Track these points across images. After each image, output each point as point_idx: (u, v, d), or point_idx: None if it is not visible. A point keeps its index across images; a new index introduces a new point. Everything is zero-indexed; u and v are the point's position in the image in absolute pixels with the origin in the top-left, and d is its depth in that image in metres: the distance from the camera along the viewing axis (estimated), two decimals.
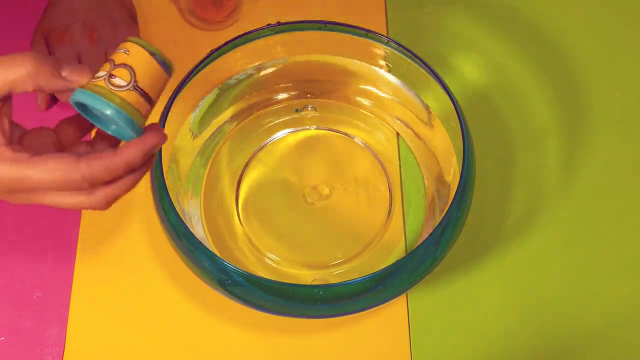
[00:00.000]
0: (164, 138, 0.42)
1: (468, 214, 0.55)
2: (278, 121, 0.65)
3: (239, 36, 0.59)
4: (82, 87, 0.40)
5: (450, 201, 0.53)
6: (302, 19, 0.60)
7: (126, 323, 0.58)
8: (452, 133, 0.58)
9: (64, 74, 0.40)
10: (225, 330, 0.58)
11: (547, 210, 0.62)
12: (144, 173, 0.43)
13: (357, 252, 0.60)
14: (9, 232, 0.61)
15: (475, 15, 0.71)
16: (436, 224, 0.53)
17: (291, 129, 0.65)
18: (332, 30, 0.60)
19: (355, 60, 0.63)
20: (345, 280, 0.52)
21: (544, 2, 0.72)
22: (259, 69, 0.63)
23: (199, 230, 0.60)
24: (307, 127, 0.65)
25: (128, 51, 0.42)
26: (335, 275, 0.59)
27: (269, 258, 0.60)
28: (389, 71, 0.62)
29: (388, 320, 0.58)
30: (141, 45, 0.42)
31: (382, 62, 0.62)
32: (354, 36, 0.60)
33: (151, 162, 0.43)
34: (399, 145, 0.64)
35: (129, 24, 0.66)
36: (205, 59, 0.58)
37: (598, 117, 0.66)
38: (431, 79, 0.58)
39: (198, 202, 0.61)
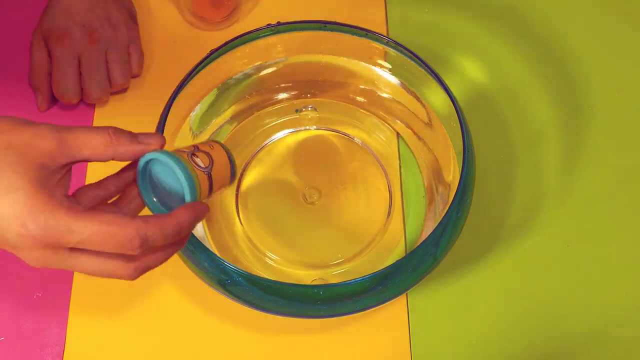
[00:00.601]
0: (207, 211, 0.43)
1: (468, 214, 0.55)
2: (278, 121, 0.65)
3: (239, 36, 0.59)
4: (164, 151, 0.42)
5: (450, 201, 0.53)
6: (302, 19, 0.60)
7: (126, 323, 0.58)
8: (452, 133, 0.58)
9: (138, 139, 0.42)
10: (225, 330, 0.58)
11: (547, 210, 0.62)
12: (177, 249, 0.43)
13: (357, 252, 0.60)
14: None
15: (475, 15, 0.71)
16: (436, 224, 0.53)
17: (291, 129, 0.65)
18: (332, 30, 0.60)
19: (355, 60, 0.63)
20: (345, 280, 0.52)
21: (544, 2, 0.72)
22: (259, 69, 0.63)
23: (199, 230, 0.60)
24: (307, 127, 0.65)
25: (212, 146, 0.44)
26: (335, 275, 0.59)
27: (269, 258, 0.60)
28: (389, 71, 0.62)
29: (388, 320, 0.58)
30: (223, 147, 0.45)
31: (382, 62, 0.62)
32: (354, 36, 0.60)
33: (186, 239, 0.43)
34: (399, 145, 0.64)
35: (128, 25, 0.66)
36: (205, 59, 0.58)
37: (598, 117, 0.66)
38: (431, 79, 0.58)
39: None
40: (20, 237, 0.38)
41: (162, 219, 0.40)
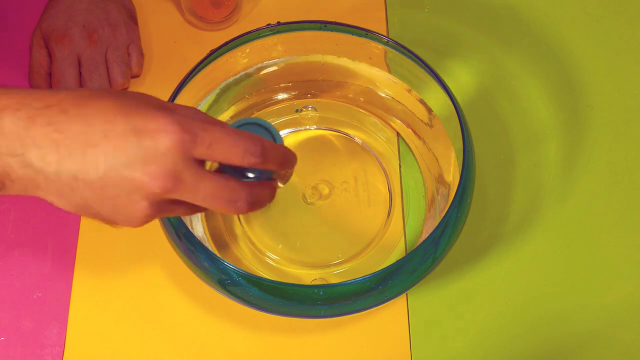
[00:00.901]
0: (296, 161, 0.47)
1: (468, 214, 0.55)
2: (278, 121, 0.65)
3: (239, 36, 0.59)
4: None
5: (450, 201, 0.53)
6: (302, 19, 0.60)
7: (126, 323, 0.58)
8: (452, 133, 0.58)
9: None
10: (225, 330, 0.58)
11: (547, 210, 0.62)
12: (276, 186, 0.45)
13: (357, 252, 0.60)
14: (9, 232, 0.61)
15: (475, 15, 0.71)
16: (436, 224, 0.53)
17: (291, 129, 0.65)
18: (332, 30, 0.60)
19: (355, 61, 0.63)
20: (345, 280, 0.52)
21: (544, 2, 0.72)
22: (259, 69, 0.63)
23: (199, 230, 0.60)
24: (307, 127, 0.65)
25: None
26: (335, 275, 0.59)
27: (268, 258, 0.60)
28: (389, 71, 0.62)
29: (388, 320, 0.58)
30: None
31: (382, 62, 0.62)
32: (354, 36, 0.60)
33: (275, 186, 0.46)
34: (399, 145, 0.64)
35: (128, 25, 0.66)
36: (205, 59, 0.58)
37: (598, 117, 0.66)
38: (431, 79, 0.58)
39: None
40: (163, 132, 0.37)
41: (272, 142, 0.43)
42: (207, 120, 0.41)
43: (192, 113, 0.42)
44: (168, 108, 0.40)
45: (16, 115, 0.35)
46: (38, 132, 0.35)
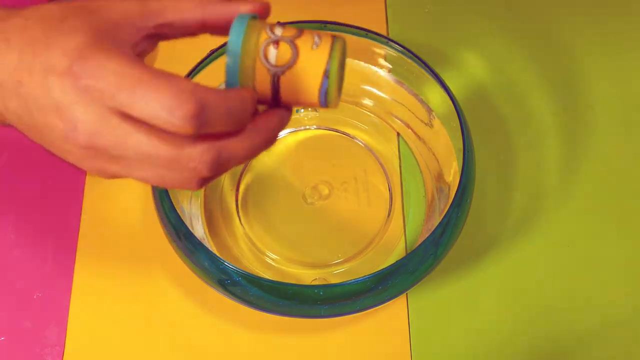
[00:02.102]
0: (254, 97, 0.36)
1: (468, 214, 0.55)
2: None
3: None
4: (247, 24, 0.34)
5: (450, 201, 0.53)
6: (302, 18, 0.60)
7: (126, 323, 0.58)
8: (452, 133, 0.58)
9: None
10: (225, 330, 0.58)
11: (547, 210, 0.62)
12: (258, 137, 0.36)
13: (357, 252, 0.60)
14: (9, 232, 0.61)
15: (476, 15, 0.71)
16: (436, 224, 0.53)
17: (291, 129, 0.65)
18: (332, 30, 0.60)
19: (355, 60, 0.63)
20: (345, 280, 0.52)
21: (545, 2, 0.72)
22: None
23: (199, 230, 0.60)
24: (307, 127, 0.65)
25: (317, 43, 0.35)
26: (335, 275, 0.59)
27: (269, 258, 0.60)
28: (389, 71, 0.62)
29: (388, 320, 0.58)
30: (330, 51, 0.34)
31: (382, 62, 0.62)
32: (354, 36, 0.60)
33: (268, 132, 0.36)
34: (399, 145, 0.64)
35: None
36: (205, 59, 0.58)
37: (598, 117, 0.66)
38: (431, 79, 0.58)
39: (198, 202, 0.61)
40: (64, 85, 0.31)
41: (222, 91, 0.33)
42: (134, 63, 0.32)
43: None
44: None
45: None
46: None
